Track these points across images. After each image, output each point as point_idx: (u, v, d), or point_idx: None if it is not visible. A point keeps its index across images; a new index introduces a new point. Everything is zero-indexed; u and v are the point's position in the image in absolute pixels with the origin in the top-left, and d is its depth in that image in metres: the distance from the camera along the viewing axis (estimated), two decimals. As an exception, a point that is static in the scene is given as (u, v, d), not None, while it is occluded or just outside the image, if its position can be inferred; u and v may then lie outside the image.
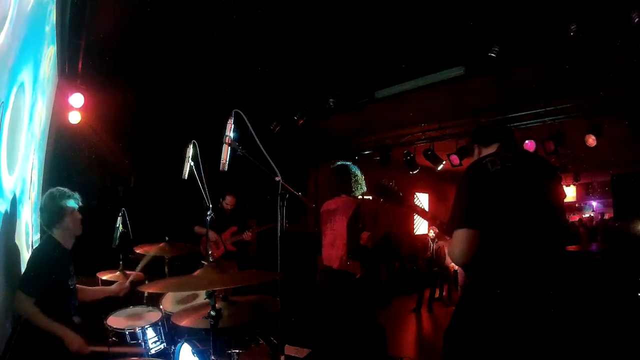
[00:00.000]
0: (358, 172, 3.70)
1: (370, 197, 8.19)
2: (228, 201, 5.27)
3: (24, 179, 2.72)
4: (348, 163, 3.77)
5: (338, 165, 3.77)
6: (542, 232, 1.81)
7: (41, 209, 2.65)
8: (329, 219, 3.61)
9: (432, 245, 7.69)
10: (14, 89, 2.00)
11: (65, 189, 2.72)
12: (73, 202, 2.70)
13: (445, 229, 2.05)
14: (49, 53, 3.07)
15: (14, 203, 2.35)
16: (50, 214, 2.62)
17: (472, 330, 1.83)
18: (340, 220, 3.50)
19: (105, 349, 2.57)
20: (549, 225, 1.84)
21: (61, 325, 2.38)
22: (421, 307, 7.22)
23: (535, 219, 1.80)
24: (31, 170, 3.07)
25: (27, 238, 3.10)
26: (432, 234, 7.70)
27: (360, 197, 3.74)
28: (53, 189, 2.70)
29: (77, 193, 2.75)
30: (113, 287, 3.06)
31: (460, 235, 1.79)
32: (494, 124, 2.30)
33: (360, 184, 3.67)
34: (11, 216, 2.32)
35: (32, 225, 3.36)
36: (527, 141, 5.70)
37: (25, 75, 2.25)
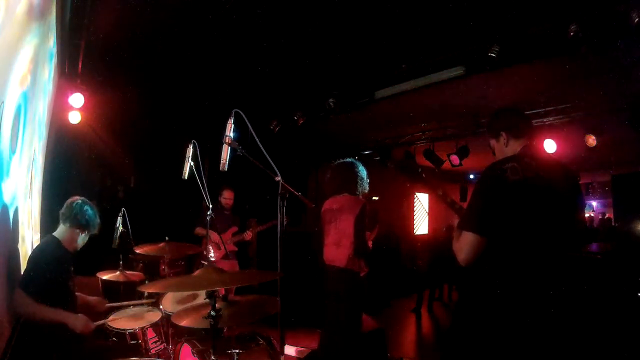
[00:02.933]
0: (364, 173, 3.61)
1: (375, 198, 8.17)
2: (226, 195, 5.13)
3: (24, 179, 2.72)
4: (356, 161, 3.66)
5: (345, 162, 3.65)
6: (551, 242, 1.80)
7: (70, 207, 2.66)
8: (332, 218, 3.52)
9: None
10: (14, 89, 2.00)
11: (96, 213, 2.75)
12: (92, 227, 2.73)
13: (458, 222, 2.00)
14: (49, 53, 3.07)
15: (15, 202, 2.35)
16: (71, 215, 2.64)
17: (473, 331, 1.84)
18: (347, 220, 3.43)
19: (105, 320, 2.69)
20: (560, 236, 1.83)
21: (60, 310, 2.39)
22: (421, 307, 7.22)
23: (546, 231, 1.78)
24: (32, 171, 3.07)
25: (27, 239, 3.10)
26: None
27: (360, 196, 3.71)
28: (89, 202, 2.74)
29: (98, 222, 2.77)
30: (92, 299, 2.99)
31: (468, 239, 1.80)
32: (522, 111, 2.18)
33: (363, 185, 3.58)
34: (12, 216, 2.32)
35: (33, 226, 3.36)
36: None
37: (26, 75, 2.25)
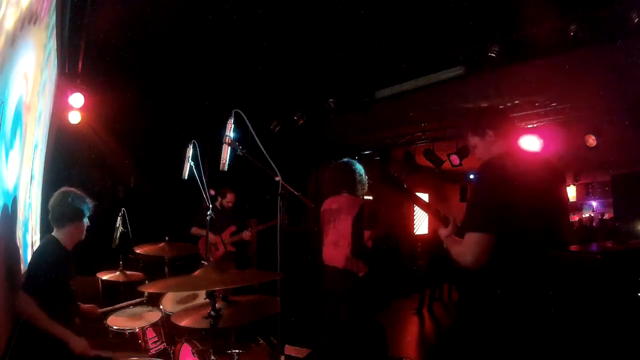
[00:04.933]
0: (362, 172, 3.60)
1: (370, 197, 8.20)
2: (229, 198, 5.15)
3: (24, 179, 2.72)
4: (353, 161, 3.66)
5: (343, 161, 3.65)
6: (547, 236, 1.81)
7: (52, 206, 2.62)
8: (331, 218, 3.53)
9: None
10: (15, 89, 2.00)
11: (82, 194, 2.69)
12: (86, 210, 2.68)
13: (453, 227, 1.95)
14: (49, 53, 3.07)
15: (14, 202, 2.35)
16: (61, 213, 2.60)
17: (474, 330, 1.83)
18: (345, 220, 3.43)
19: (109, 354, 2.53)
20: (553, 230, 1.84)
21: (64, 327, 2.36)
22: (422, 307, 7.22)
23: (543, 224, 1.79)
24: (32, 171, 3.07)
25: (27, 238, 3.10)
26: None
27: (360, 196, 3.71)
28: (70, 190, 2.67)
29: (90, 201, 2.72)
30: (85, 306, 2.89)
31: (475, 239, 1.74)
32: (507, 111, 2.15)
33: (363, 184, 3.58)
34: (12, 216, 2.32)
35: (33, 226, 3.35)
36: (532, 140, 5.62)
37: (26, 76, 2.25)
